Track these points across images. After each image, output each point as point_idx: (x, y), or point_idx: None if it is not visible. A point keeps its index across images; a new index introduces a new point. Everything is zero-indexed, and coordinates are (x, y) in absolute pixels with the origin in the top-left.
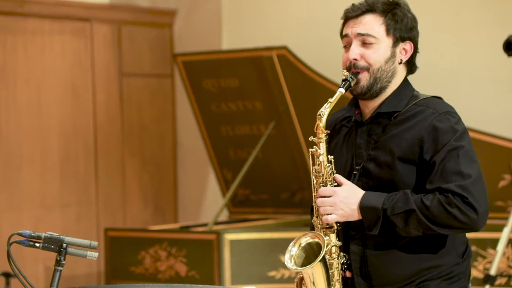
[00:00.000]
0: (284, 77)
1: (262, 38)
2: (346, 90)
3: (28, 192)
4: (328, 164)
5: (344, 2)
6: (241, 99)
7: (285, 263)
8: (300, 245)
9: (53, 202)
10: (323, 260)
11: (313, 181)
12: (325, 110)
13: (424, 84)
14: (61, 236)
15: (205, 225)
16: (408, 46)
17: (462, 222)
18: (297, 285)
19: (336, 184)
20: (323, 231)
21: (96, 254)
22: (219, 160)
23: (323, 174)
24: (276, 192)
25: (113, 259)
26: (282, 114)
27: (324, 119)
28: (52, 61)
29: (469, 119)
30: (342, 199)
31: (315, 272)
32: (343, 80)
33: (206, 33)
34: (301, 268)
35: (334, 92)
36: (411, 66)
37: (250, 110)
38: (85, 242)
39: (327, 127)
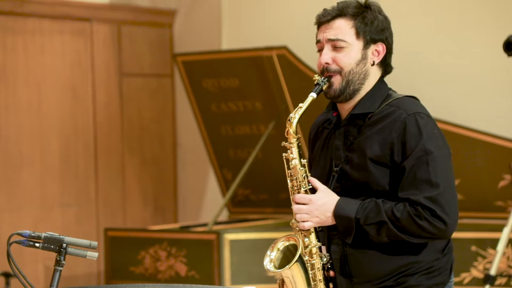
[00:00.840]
0: (284, 77)
1: (262, 38)
2: (317, 94)
3: (28, 192)
4: (301, 168)
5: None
6: (241, 99)
7: (265, 266)
8: (278, 249)
9: (53, 202)
10: (301, 261)
11: (289, 185)
12: (295, 115)
13: (425, 84)
14: (61, 236)
15: (205, 225)
16: (380, 47)
17: (432, 233)
18: (279, 286)
19: (311, 187)
20: (302, 233)
21: (96, 254)
22: (219, 160)
23: (297, 178)
24: (276, 192)
25: (113, 259)
26: (282, 114)
27: (294, 123)
28: (52, 61)
29: (469, 119)
30: (318, 207)
31: (294, 274)
32: (315, 85)
33: (206, 33)
34: (279, 270)
35: None
36: (385, 66)
37: (250, 110)
38: (85, 242)
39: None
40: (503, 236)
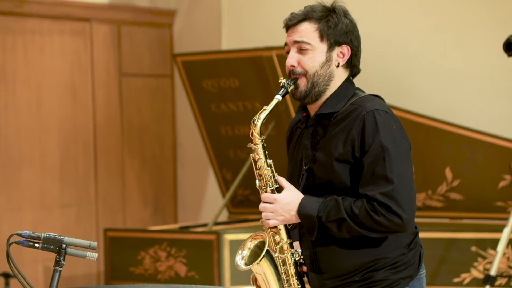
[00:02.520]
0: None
1: (262, 38)
2: (283, 97)
3: (28, 193)
4: (267, 168)
5: (344, 2)
6: (241, 99)
7: (236, 263)
8: (249, 248)
9: (53, 203)
10: (270, 257)
11: (257, 184)
12: (259, 117)
13: (425, 84)
14: (61, 237)
15: (204, 225)
16: (345, 49)
17: (389, 227)
18: (252, 282)
19: (277, 186)
20: (271, 230)
21: (95, 255)
22: (219, 160)
23: (264, 178)
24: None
25: (112, 259)
26: (282, 114)
27: (258, 125)
28: (51, 61)
29: (469, 119)
30: (282, 206)
31: (264, 269)
32: (280, 87)
33: (206, 33)
34: (248, 266)
35: None
36: (351, 68)
37: (250, 110)
38: (85, 242)
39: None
40: (503, 237)
